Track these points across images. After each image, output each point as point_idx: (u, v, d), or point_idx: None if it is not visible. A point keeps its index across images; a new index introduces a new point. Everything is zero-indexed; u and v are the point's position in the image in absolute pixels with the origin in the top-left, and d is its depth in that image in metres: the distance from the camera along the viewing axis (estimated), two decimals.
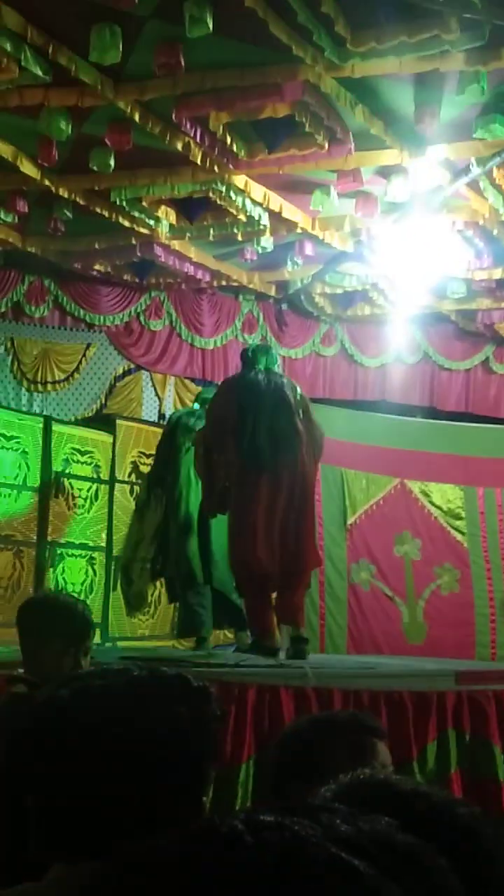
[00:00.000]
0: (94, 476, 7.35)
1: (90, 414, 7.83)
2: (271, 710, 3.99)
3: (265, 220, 6.42)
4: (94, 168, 5.58)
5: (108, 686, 1.16)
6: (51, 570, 6.92)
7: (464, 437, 8.94)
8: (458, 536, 8.73)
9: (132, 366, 8.13)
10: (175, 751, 1.12)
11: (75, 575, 7.06)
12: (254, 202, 6.20)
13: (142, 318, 8.02)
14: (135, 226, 6.57)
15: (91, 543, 7.25)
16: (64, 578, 6.98)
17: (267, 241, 6.82)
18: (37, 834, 1.12)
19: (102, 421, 7.69)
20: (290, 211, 6.40)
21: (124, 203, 6.20)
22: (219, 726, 1.20)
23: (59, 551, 7.01)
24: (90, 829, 1.06)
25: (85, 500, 7.24)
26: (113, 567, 7.37)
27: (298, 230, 6.67)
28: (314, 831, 0.57)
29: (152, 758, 1.11)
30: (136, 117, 5.10)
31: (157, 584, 7.81)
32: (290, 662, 4.56)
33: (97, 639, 5.69)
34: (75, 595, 6.09)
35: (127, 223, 6.52)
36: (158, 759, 1.11)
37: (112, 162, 5.50)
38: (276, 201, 6.26)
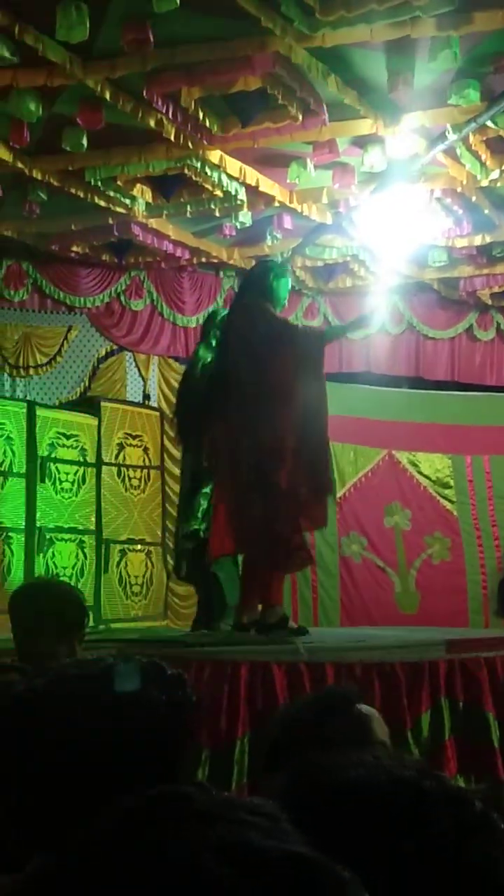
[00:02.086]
0: (81, 459, 7.34)
1: (74, 397, 7.80)
2: (265, 687, 4.01)
3: (242, 195, 6.38)
4: (67, 148, 5.51)
5: (82, 675, 1.16)
6: (40, 555, 6.92)
7: (450, 405, 8.95)
8: (448, 505, 8.77)
9: (115, 347, 8.09)
10: (149, 738, 1.12)
11: (65, 559, 7.07)
12: (230, 177, 6.15)
13: (122, 299, 7.97)
14: (111, 205, 6.52)
15: (80, 527, 7.24)
16: (54, 563, 6.98)
17: (245, 216, 6.78)
18: (15, 825, 1.12)
19: (87, 404, 7.67)
20: (267, 185, 6.35)
21: (99, 183, 6.14)
22: (192, 712, 1.20)
23: (48, 536, 7.01)
24: (63, 819, 1.06)
25: (72, 483, 7.23)
26: (103, 550, 7.37)
27: (276, 204, 6.63)
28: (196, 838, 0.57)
29: (126, 745, 1.11)
30: (107, 95, 5.04)
31: (152, 562, 7.82)
32: (279, 639, 4.55)
33: (90, 622, 5.68)
34: (67, 581, 6.09)
35: (103, 203, 6.46)
36: (132, 746, 1.11)
37: (85, 141, 5.44)
38: (253, 175, 6.21)
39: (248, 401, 4.64)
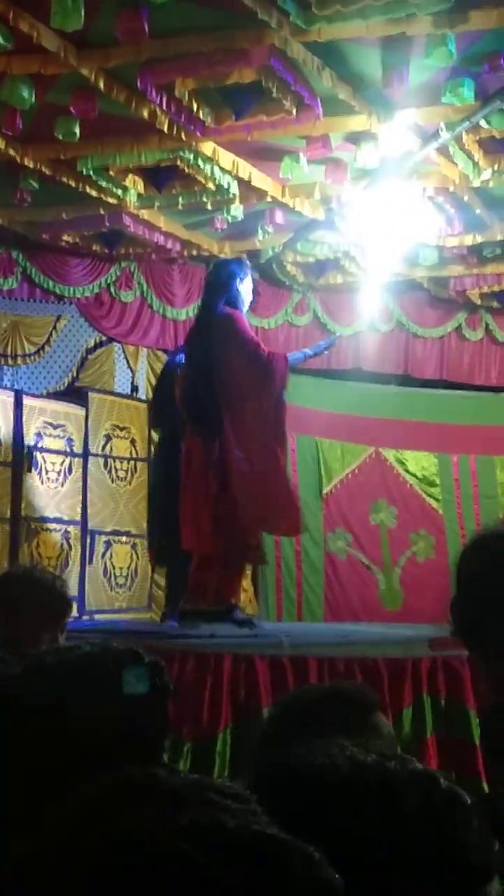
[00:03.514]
0: (67, 450, 7.32)
1: (62, 387, 7.78)
2: (247, 680, 4.02)
3: (234, 189, 6.36)
4: (60, 137, 5.49)
5: (59, 662, 1.16)
6: (25, 544, 6.90)
7: (437, 404, 8.98)
8: (433, 503, 8.79)
9: (104, 338, 8.06)
10: (127, 725, 1.12)
11: (50, 549, 7.05)
12: (223, 170, 6.13)
13: (112, 290, 7.94)
14: (102, 195, 6.49)
15: (65, 517, 7.23)
16: (39, 553, 6.97)
17: (237, 210, 6.77)
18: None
19: (74, 394, 7.65)
20: (259, 179, 6.34)
21: (91, 172, 6.12)
22: (169, 699, 1.20)
23: (33, 526, 6.99)
24: (38, 805, 1.05)
25: (58, 473, 7.22)
26: (88, 540, 7.36)
27: (268, 198, 6.62)
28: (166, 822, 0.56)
29: (103, 731, 1.11)
30: (101, 85, 5.02)
31: (137, 553, 7.83)
32: (265, 632, 4.57)
33: (74, 612, 5.68)
34: (51, 570, 6.08)
35: (94, 193, 6.44)
36: (109, 732, 1.11)
37: (77, 130, 5.42)
38: (246, 169, 6.20)
39: (217, 412, 4.81)
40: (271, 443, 4.99)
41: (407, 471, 8.81)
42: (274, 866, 0.56)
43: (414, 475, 8.82)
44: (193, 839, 0.55)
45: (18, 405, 7.04)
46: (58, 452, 7.23)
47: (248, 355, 4.96)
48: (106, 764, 1.04)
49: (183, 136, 5.59)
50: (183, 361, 5.43)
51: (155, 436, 7.65)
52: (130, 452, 7.86)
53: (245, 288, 5.20)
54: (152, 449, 7.94)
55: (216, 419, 4.87)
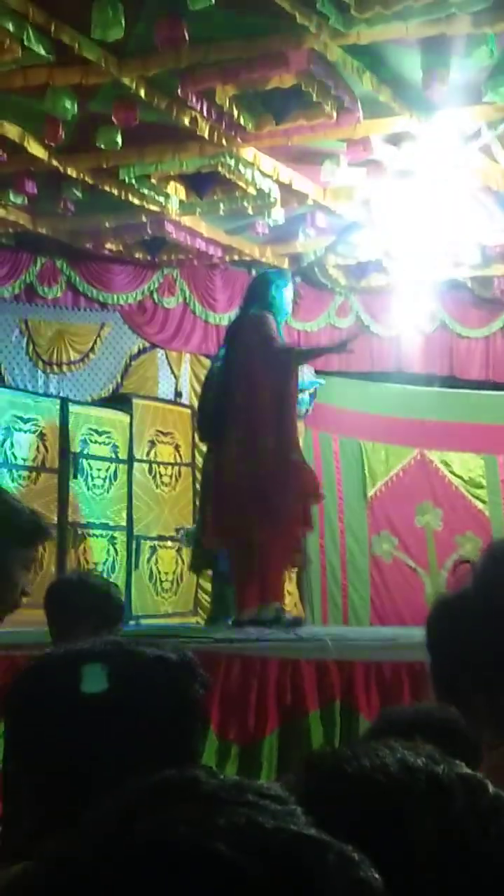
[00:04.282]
0: (113, 456, 7.38)
1: (106, 394, 7.84)
2: (293, 684, 4.01)
3: (275, 193, 6.37)
4: (102, 146, 5.54)
5: (91, 653, 1.17)
6: (72, 550, 6.96)
7: (482, 405, 8.90)
8: (480, 505, 8.71)
9: (147, 344, 8.11)
10: (163, 717, 1.12)
11: (97, 555, 7.11)
12: (263, 174, 6.15)
13: (155, 296, 8.00)
14: (144, 203, 6.54)
15: (111, 523, 7.28)
16: (86, 559, 7.03)
17: (278, 214, 6.78)
18: (27, 812, 1.13)
19: (119, 400, 7.71)
20: (300, 182, 6.34)
21: (133, 180, 6.17)
22: (203, 691, 1.20)
23: (79, 532, 7.05)
24: (74, 805, 1.06)
25: (104, 480, 7.27)
26: (134, 546, 7.41)
27: (309, 202, 6.62)
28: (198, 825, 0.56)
29: (131, 725, 1.11)
30: (142, 93, 5.06)
31: (182, 558, 7.87)
32: (309, 636, 4.57)
33: None
34: (103, 576, 6.13)
35: (136, 201, 6.49)
36: (139, 726, 1.11)
37: (119, 139, 5.47)
38: (286, 173, 6.21)
39: (240, 412, 4.94)
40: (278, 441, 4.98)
41: (452, 472, 8.74)
42: (311, 866, 0.56)
43: (459, 477, 8.74)
44: (230, 839, 0.55)
45: (64, 412, 7.12)
46: (103, 459, 7.30)
47: (262, 350, 4.98)
48: (140, 763, 1.05)
49: (224, 142, 5.62)
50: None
51: (203, 446, 7.73)
52: (174, 458, 7.90)
53: (284, 295, 5.21)
54: (196, 454, 7.98)
55: (222, 424, 5.01)
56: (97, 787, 1.01)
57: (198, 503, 5.73)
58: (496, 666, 1.35)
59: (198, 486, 7.88)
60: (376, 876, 0.58)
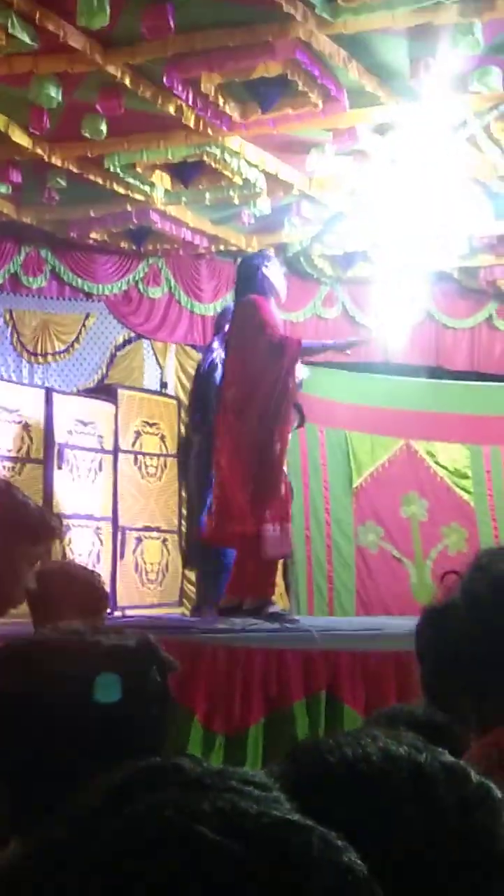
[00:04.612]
0: (98, 447, 7.35)
1: (91, 384, 7.81)
2: (279, 674, 4.02)
3: (261, 183, 6.36)
4: (87, 135, 5.51)
5: (48, 645, 1.18)
6: (56, 541, 6.94)
7: (468, 395, 8.92)
8: (465, 496, 8.74)
9: (132, 335, 8.09)
10: (115, 707, 1.13)
11: (82, 546, 7.09)
12: (249, 164, 6.13)
13: (140, 286, 7.97)
14: (130, 192, 6.51)
15: (97, 514, 7.26)
16: (71, 549, 7.01)
17: (264, 204, 6.76)
18: (9, 797, 1.14)
19: (104, 391, 7.67)
20: (286, 172, 6.32)
21: (118, 169, 6.14)
22: (163, 675, 1.20)
23: (64, 523, 7.03)
24: (35, 794, 1.06)
25: (89, 470, 7.25)
26: (119, 537, 7.40)
27: (295, 191, 6.60)
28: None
29: (88, 714, 1.12)
30: (127, 82, 5.03)
31: (168, 549, 7.87)
32: (294, 626, 4.57)
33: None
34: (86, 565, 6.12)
35: (122, 190, 6.46)
36: (96, 715, 1.11)
37: (104, 128, 5.44)
38: (272, 162, 6.19)
39: (233, 402, 4.87)
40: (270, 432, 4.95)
41: (438, 463, 8.76)
42: (294, 850, 0.56)
43: (445, 468, 8.76)
44: (214, 823, 0.55)
45: (49, 403, 7.08)
46: (88, 449, 7.27)
47: (261, 337, 4.92)
48: (104, 751, 1.04)
49: (209, 132, 5.59)
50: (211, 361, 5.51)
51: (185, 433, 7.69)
52: (160, 449, 7.88)
53: (272, 273, 5.17)
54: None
55: (213, 413, 5.03)
56: (64, 775, 1.01)
57: (185, 495, 5.72)
58: (482, 672, 1.38)
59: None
60: (360, 862, 0.58)
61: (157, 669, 1.20)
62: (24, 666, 1.17)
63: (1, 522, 2.12)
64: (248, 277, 5.18)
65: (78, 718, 1.11)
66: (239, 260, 5.83)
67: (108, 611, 5.68)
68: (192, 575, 7.80)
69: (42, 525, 2.18)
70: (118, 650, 1.18)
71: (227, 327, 5.28)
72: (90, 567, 6.72)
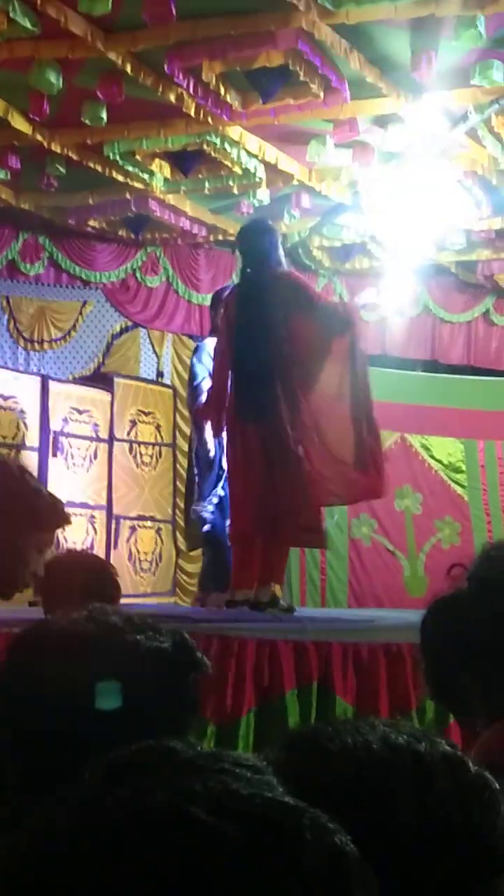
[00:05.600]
0: (93, 435, 7.35)
1: (88, 372, 7.80)
2: (271, 664, 4.03)
3: (261, 173, 6.34)
4: (87, 122, 5.49)
5: (84, 636, 1.16)
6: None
7: (463, 390, 8.93)
8: (459, 490, 8.75)
9: (129, 323, 8.08)
10: (147, 710, 1.12)
11: (76, 533, 7.09)
12: (249, 154, 6.11)
13: (138, 275, 7.95)
14: (129, 180, 6.50)
15: (91, 502, 7.27)
16: (65, 538, 7.01)
17: (263, 194, 6.75)
18: (9, 786, 1.13)
19: (100, 379, 7.67)
20: (286, 162, 6.31)
21: (118, 157, 6.12)
22: (197, 676, 1.20)
23: None
24: (50, 788, 1.06)
25: (84, 458, 7.25)
26: (113, 525, 7.40)
27: (295, 182, 6.59)
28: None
29: (119, 714, 1.10)
30: (128, 69, 5.01)
31: (162, 538, 7.86)
32: (286, 617, 4.57)
33: None
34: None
35: (121, 177, 6.44)
36: (127, 716, 1.10)
37: (104, 115, 5.42)
38: (272, 153, 6.17)
39: (273, 389, 4.60)
40: (344, 403, 4.70)
41: (432, 457, 8.78)
42: (285, 831, 0.56)
43: (439, 461, 8.78)
44: (206, 804, 0.56)
45: (45, 390, 7.08)
46: (83, 438, 7.27)
47: (320, 308, 4.69)
48: (127, 734, 1.04)
49: (210, 120, 5.58)
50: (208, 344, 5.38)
51: (181, 422, 7.66)
52: (155, 438, 7.88)
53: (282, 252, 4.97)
54: (177, 434, 7.96)
55: (271, 397, 4.54)
56: (82, 770, 1.00)
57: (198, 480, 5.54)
58: (491, 662, 1.38)
59: (179, 466, 7.87)
60: (350, 843, 0.58)
61: (194, 669, 1.19)
62: (61, 654, 1.14)
63: (12, 507, 2.12)
64: (267, 251, 4.77)
65: (108, 721, 1.09)
66: (249, 228, 5.16)
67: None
68: (186, 565, 7.80)
69: (53, 512, 2.18)
70: (159, 653, 1.16)
71: (246, 308, 4.83)
72: None
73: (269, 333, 4.61)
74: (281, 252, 4.91)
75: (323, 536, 5.10)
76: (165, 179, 6.56)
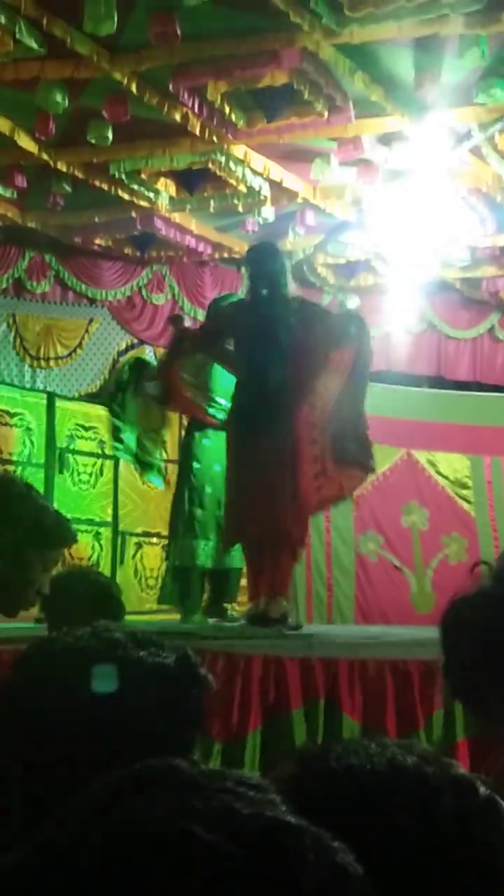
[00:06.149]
0: (99, 451, 7.36)
1: (93, 389, 7.83)
2: (277, 682, 4.01)
3: (266, 191, 6.38)
4: (92, 141, 5.53)
5: (86, 653, 1.16)
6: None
7: (469, 406, 8.92)
8: (465, 506, 8.73)
9: (135, 340, 8.10)
10: (150, 727, 1.11)
11: (82, 550, 7.09)
12: (254, 172, 6.15)
13: (143, 293, 7.99)
14: (134, 199, 6.53)
15: (97, 519, 7.27)
16: (71, 554, 7.01)
17: (268, 212, 6.78)
18: (13, 804, 1.12)
19: (106, 396, 7.69)
20: (290, 180, 6.34)
21: (123, 176, 6.16)
22: (201, 694, 1.19)
23: None
24: (53, 805, 1.05)
25: (90, 475, 7.26)
26: (119, 542, 7.40)
27: (299, 200, 6.62)
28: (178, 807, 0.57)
29: (122, 732, 1.10)
30: (133, 88, 5.05)
31: (162, 556, 7.84)
32: (292, 633, 4.56)
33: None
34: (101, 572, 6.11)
35: (126, 196, 6.48)
36: (130, 734, 1.10)
37: (110, 134, 5.45)
38: (277, 171, 6.21)
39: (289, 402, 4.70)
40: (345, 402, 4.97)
41: (439, 473, 8.76)
42: (286, 850, 0.56)
43: (446, 477, 8.76)
44: (207, 822, 0.56)
45: (51, 407, 7.10)
46: (89, 454, 7.28)
47: (336, 324, 4.87)
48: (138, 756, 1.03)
49: (215, 139, 5.61)
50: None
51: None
52: (161, 454, 7.88)
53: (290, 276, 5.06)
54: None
55: (282, 415, 4.67)
56: (84, 788, 1.00)
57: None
58: None
59: None
60: (354, 863, 0.58)
61: (198, 688, 1.18)
62: (65, 671, 1.14)
63: (19, 525, 2.12)
64: (282, 271, 4.79)
65: (112, 738, 1.09)
66: (259, 249, 5.10)
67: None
68: None
69: (59, 530, 2.18)
70: (162, 669, 1.15)
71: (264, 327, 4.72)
72: None
73: (285, 356, 4.67)
74: (289, 275, 4.95)
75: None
76: (171, 198, 6.60)
